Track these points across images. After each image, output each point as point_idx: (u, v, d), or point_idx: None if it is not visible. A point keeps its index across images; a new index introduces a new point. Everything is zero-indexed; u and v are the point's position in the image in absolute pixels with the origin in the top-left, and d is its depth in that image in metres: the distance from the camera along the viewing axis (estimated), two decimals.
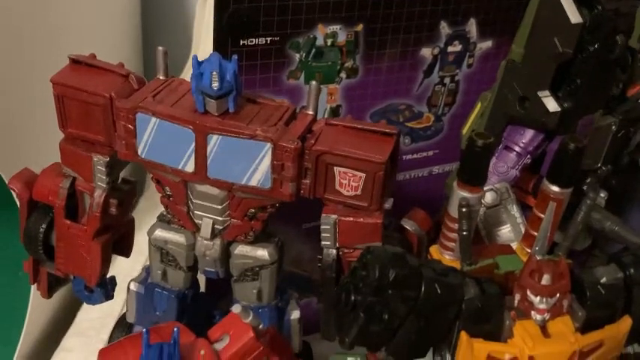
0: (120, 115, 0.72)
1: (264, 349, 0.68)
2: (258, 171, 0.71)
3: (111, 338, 0.89)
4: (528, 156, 0.81)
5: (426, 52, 0.96)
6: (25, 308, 1.09)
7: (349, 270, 0.64)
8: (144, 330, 0.65)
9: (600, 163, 0.87)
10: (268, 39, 0.86)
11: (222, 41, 0.84)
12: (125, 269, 0.93)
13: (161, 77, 0.77)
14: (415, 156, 1.04)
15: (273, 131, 0.70)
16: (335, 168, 0.71)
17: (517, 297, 0.62)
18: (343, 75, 0.93)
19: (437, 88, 1.00)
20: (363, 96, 0.96)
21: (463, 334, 0.60)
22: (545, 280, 0.60)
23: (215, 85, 0.69)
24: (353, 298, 0.59)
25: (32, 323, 1.09)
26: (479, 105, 0.89)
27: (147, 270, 0.84)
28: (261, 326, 0.69)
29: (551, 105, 0.76)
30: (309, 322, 0.85)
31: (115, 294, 0.88)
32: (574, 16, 0.72)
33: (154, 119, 0.71)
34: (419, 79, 0.98)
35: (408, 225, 0.81)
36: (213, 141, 0.71)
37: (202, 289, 0.90)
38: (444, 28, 0.96)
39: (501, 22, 0.98)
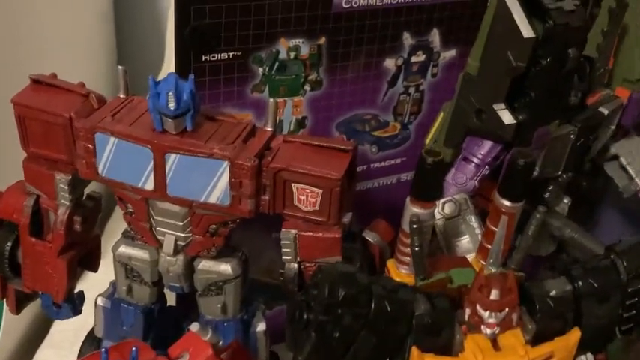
0: (79, 134, 0.73)
1: None
2: (217, 188, 0.72)
3: (80, 352, 0.90)
4: (487, 167, 0.82)
5: (390, 63, 0.97)
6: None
7: (303, 288, 0.66)
8: (102, 350, 0.66)
9: (561, 171, 0.89)
10: (230, 54, 0.87)
11: (184, 57, 0.84)
12: (100, 282, 0.94)
13: (122, 95, 0.77)
14: (383, 164, 1.05)
15: (231, 149, 0.71)
16: (293, 184, 0.72)
17: (467, 311, 0.63)
18: (307, 87, 0.93)
19: (402, 98, 1.01)
20: (328, 107, 0.97)
21: (414, 349, 0.62)
22: (494, 294, 0.61)
23: (172, 105, 0.69)
24: (305, 316, 0.60)
25: (7, 335, 1.10)
26: (441, 115, 0.91)
27: (114, 285, 0.85)
28: (220, 343, 0.70)
29: (507, 117, 0.77)
30: (278, 332, 0.87)
31: (89, 306, 0.89)
32: (526, 31, 0.73)
33: (112, 139, 0.72)
34: (383, 89, 0.99)
35: (370, 237, 0.82)
36: (172, 160, 0.72)
37: (172, 301, 0.91)
38: (407, 39, 0.97)
39: (464, 32, 0.99)
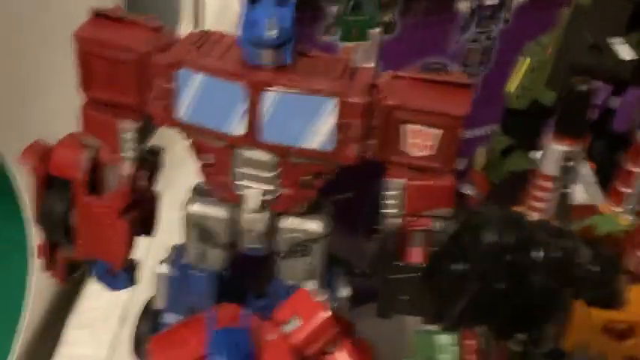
0: (158, 72, 0.63)
1: (338, 333, 0.61)
2: (321, 131, 0.63)
3: (138, 329, 0.80)
4: (595, 111, 0.75)
5: (464, 6, 0.89)
6: (21, 299, 0.99)
7: (448, 236, 0.57)
8: (207, 314, 0.57)
9: None
10: None
11: None
12: None
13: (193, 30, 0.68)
14: None
15: (340, 85, 0.62)
16: (407, 125, 0.63)
17: (630, 260, 0.56)
18: (378, 32, 0.85)
19: (472, 46, 0.94)
20: (397, 54, 0.88)
21: (579, 303, 0.54)
22: None
23: (273, 32, 0.60)
24: (461, 267, 0.52)
25: (32, 314, 1.00)
26: (526, 60, 0.83)
27: (178, 250, 0.76)
28: (335, 306, 0.61)
29: (627, 53, 0.70)
30: None
31: None
32: None
33: (199, 76, 0.63)
34: (454, 36, 0.92)
35: (470, 190, 0.74)
36: (269, 98, 0.62)
37: None
38: None
39: None
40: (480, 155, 0.89)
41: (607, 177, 0.81)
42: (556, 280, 0.53)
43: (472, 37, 0.93)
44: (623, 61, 0.70)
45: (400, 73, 0.65)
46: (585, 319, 0.54)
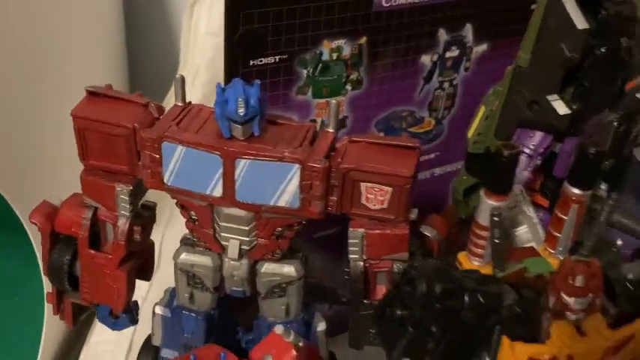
0: (145, 145, 0.73)
1: None
2: (287, 192, 0.72)
3: None
4: (539, 157, 0.83)
5: (426, 60, 0.99)
6: (40, 327, 1.09)
7: (392, 285, 0.66)
8: (191, 356, 0.66)
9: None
10: (277, 57, 0.87)
11: (233, 62, 0.85)
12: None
13: (179, 104, 0.77)
14: None
15: (300, 152, 0.71)
16: (362, 184, 0.73)
17: (552, 299, 0.64)
18: (349, 87, 0.94)
19: (437, 93, 1.03)
20: (367, 106, 0.98)
21: (505, 339, 0.63)
22: (579, 281, 0.62)
23: (241, 111, 0.70)
24: (399, 313, 0.61)
25: (46, 346, 1.10)
26: (482, 108, 0.92)
27: (170, 292, 0.85)
28: (301, 344, 0.71)
29: (562, 108, 0.78)
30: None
31: None
32: (580, 23, 0.75)
33: (180, 147, 0.72)
34: (420, 86, 1.01)
35: (428, 232, 0.83)
36: (241, 165, 0.72)
37: None
38: (442, 35, 0.98)
39: (495, 26, 1.01)
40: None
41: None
42: (484, 320, 0.62)
43: (436, 85, 1.02)
44: (559, 115, 0.79)
45: (355, 138, 0.74)
46: (510, 352, 0.63)
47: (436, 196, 1.10)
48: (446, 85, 1.03)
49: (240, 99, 0.70)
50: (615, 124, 0.88)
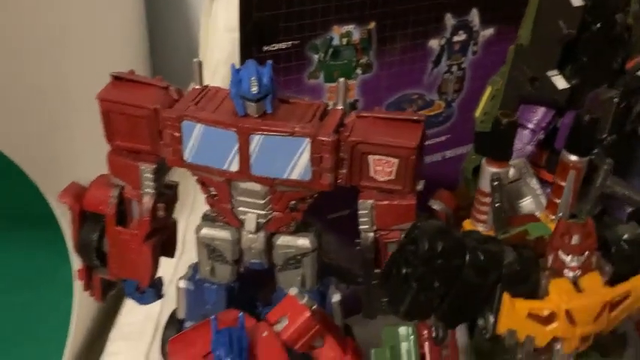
0: (166, 124, 0.78)
1: (320, 327, 0.74)
2: (299, 165, 0.77)
3: (164, 336, 0.94)
4: (542, 132, 0.87)
5: (434, 44, 1.03)
6: (68, 316, 1.14)
7: (397, 246, 0.70)
8: (212, 317, 0.71)
9: (606, 133, 0.94)
10: (289, 43, 0.92)
11: (248, 49, 0.89)
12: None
13: (197, 87, 0.82)
14: (429, 142, 1.10)
15: (310, 127, 0.76)
16: (369, 156, 0.77)
17: (550, 258, 0.68)
18: (359, 71, 0.99)
19: (446, 76, 1.07)
20: (378, 89, 1.02)
21: (505, 295, 0.67)
22: (575, 240, 0.66)
23: (254, 89, 0.74)
24: (404, 270, 0.65)
25: (77, 330, 1.15)
26: (489, 89, 0.95)
27: (194, 267, 0.90)
28: (315, 307, 0.75)
29: (561, 83, 0.82)
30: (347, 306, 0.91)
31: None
32: (575, 0, 0.78)
33: (198, 125, 0.77)
34: (428, 69, 1.05)
35: (436, 205, 0.87)
36: (255, 140, 0.76)
37: None
38: (449, 20, 1.02)
39: (501, 10, 1.05)
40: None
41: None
42: (485, 278, 0.66)
43: (445, 69, 1.06)
44: (559, 90, 0.82)
45: (363, 113, 0.79)
46: (511, 308, 0.66)
47: (448, 178, 1.13)
48: (454, 68, 1.06)
49: (253, 78, 0.74)
50: (616, 100, 0.92)
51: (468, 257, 0.65)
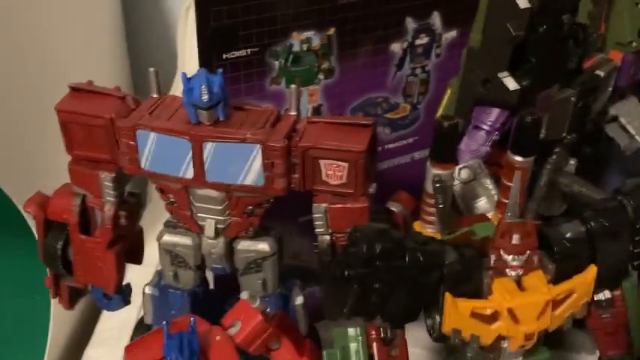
0: (122, 133, 0.80)
1: (273, 330, 0.75)
2: (252, 171, 0.78)
3: (131, 340, 0.96)
4: (496, 132, 0.88)
5: (396, 47, 1.04)
6: (47, 323, 1.16)
7: (341, 249, 0.72)
8: (163, 323, 0.72)
9: (565, 133, 0.95)
10: (249, 50, 0.93)
11: (207, 57, 0.91)
12: (135, 281, 1.00)
13: (154, 95, 0.84)
14: (396, 144, 1.12)
15: (261, 133, 0.77)
16: (320, 161, 0.78)
17: (493, 257, 0.69)
18: (321, 76, 1.00)
19: (410, 79, 1.08)
20: (341, 93, 1.03)
21: (447, 295, 0.68)
22: (515, 239, 0.67)
23: (205, 97, 0.76)
24: (346, 273, 0.67)
25: (55, 337, 1.16)
26: (449, 90, 0.97)
27: (159, 274, 0.92)
28: (268, 310, 0.76)
29: (511, 84, 0.83)
30: (313, 311, 0.93)
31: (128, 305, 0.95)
32: (522, 2, 0.79)
33: (152, 134, 0.79)
34: (392, 73, 1.06)
35: (394, 207, 0.88)
36: (208, 148, 0.78)
37: (211, 287, 0.98)
38: (410, 23, 1.03)
39: (463, 12, 1.05)
40: None
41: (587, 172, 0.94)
42: (427, 278, 0.67)
43: (408, 72, 1.07)
44: (510, 91, 0.84)
45: (314, 119, 0.80)
46: (454, 308, 0.68)
47: (417, 179, 1.14)
48: (418, 71, 1.07)
49: (203, 86, 0.76)
50: (573, 99, 0.93)
51: (407, 258, 0.66)
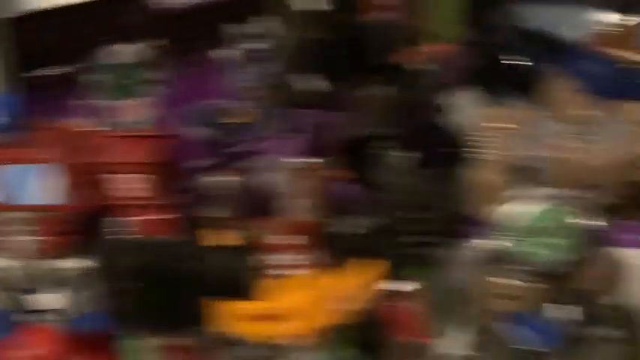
0: None
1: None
2: (50, 189, 0.79)
3: None
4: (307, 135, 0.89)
5: (222, 54, 1.04)
6: None
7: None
8: None
9: (387, 128, 0.97)
10: (64, 69, 0.93)
11: (16, 75, 0.91)
12: None
13: None
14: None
15: (56, 152, 0.78)
16: (118, 175, 0.79)
17: (265, 258, 0.71)
18: (147, 88, 1.00)
19: (247, 85, 1.08)
20: (173, 104, 1.04)
21: (216, 299, 0.69)
22: (287, 239, 0.69)
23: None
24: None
25: None
26: None
27: None
28: None
29: (316, 85, 0.85)
30: None
31: None
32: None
33: None
34: (226, 79, 1.06)
35: None
36: (9, 171, 0.79)
37: None
38: (233, 29, 1.04)
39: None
40: None
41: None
42: (192, 283, 0.68)
43: (244, 78, 1.08)
44: (314, 92, 0.86)
45: (109, 134, 0.81)
46: (224, 311, 0.69)
47: None
48: (255, 76, 1.08)
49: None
50: (389, 95, 0.95)
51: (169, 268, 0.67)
